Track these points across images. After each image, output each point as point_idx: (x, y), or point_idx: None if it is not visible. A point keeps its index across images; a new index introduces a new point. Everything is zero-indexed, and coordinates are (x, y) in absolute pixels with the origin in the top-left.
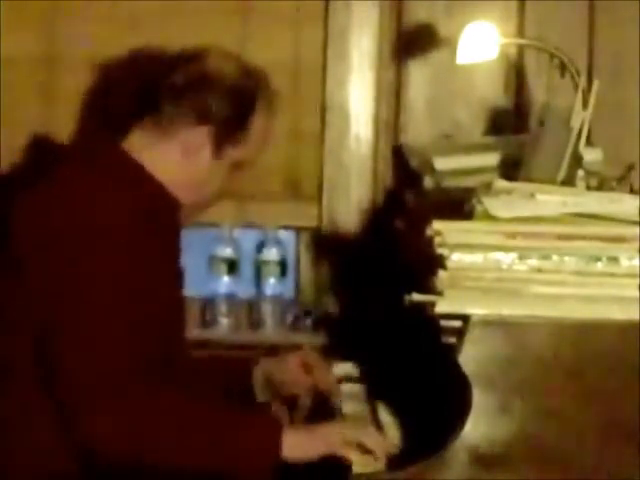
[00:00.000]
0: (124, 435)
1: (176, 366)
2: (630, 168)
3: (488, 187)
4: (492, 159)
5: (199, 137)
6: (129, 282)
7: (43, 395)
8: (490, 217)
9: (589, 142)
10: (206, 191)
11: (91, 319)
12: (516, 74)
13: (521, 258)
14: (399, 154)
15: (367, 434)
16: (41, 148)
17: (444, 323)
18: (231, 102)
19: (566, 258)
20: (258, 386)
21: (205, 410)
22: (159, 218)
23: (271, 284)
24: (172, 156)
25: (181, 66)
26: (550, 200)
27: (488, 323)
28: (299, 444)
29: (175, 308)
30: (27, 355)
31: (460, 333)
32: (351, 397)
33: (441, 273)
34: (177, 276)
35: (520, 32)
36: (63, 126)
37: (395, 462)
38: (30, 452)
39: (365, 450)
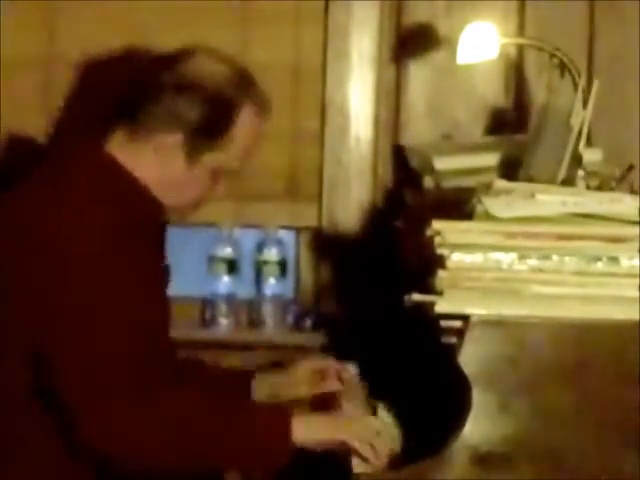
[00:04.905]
0: (129, 434)
1: (164, 365)
2: (630, 168)
3: (488, 187)
4: (492, 159)
5: (171, 142)
6: (117, 286)
7: (43, 413)
8: (490, 217)
9: (589, 142)
10: (185, 196)
11: (86, 324)
12: (516, 74)
13: (521, 258)
14: (399, 154)
15: (376, 435)
16: (20, 148)
17: (444, 323)
18: (207, 108)
19: (566, 258)
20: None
21: (212, 404)
22: (141, 219)
23: (271, 284)
24: (147, 159)
25: (163, 68)
26: (550, 200)
27: (488, 323)
28: (310, 427)
29: (161, 308)
30: (21, 373)
31: (460, 333)
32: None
33: (441, 273)
34: (161, 276)
35: (520, 32)
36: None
37: (395, 462)
38: (32, 473)
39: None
